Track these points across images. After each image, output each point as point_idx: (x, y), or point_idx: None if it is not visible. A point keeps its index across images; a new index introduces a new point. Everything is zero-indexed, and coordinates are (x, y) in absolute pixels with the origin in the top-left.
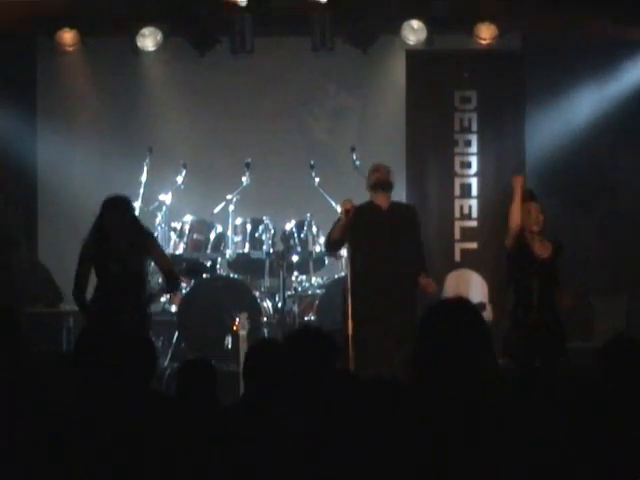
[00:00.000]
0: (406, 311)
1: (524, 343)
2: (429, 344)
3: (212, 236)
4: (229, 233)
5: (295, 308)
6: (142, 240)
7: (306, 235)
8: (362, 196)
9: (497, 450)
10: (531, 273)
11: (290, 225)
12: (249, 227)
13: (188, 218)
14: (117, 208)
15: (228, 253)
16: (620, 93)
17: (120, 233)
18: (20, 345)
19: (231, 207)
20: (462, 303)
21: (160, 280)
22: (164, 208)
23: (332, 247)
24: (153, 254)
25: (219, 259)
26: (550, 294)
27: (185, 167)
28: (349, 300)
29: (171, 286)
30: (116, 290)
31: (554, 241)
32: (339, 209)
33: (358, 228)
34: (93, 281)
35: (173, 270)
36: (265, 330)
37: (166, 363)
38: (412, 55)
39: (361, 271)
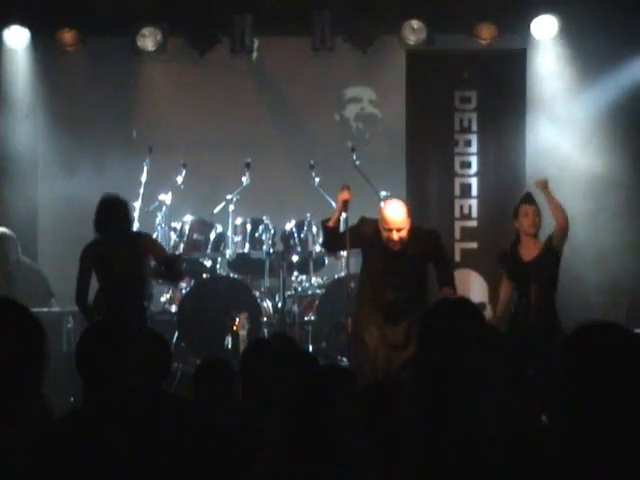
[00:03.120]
0: (410, 323)
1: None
2: (431, 344)
3: (212, 236)
4: (229, 233)
5: (295, 308)
6: (140, 239)
7: (306, 235)
8: (362, 197)
9: (497, 449)
10: (526, 276)
11: (290, 225)
12: (249, 227)
13: (188, 218)
14: (113, 211)
15: (228, 253)
16: (621, 91)
17: (118, 235)
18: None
19: (231, 207)
20: (463, 303)
21: (164, 298)
22: (164, 208)
23: (328, 238)
24: (152, 250)
25: (219, 259)
26: (548, 296)
27: (185, 167)
28: (350, 299)
29: (171, 273)
30: (117, 291)
31: (545, 240)
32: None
33: (368, 248)
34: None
35: (173, 260)
36: (265, 330)
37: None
38: (412, 55)
39: (366, 291)
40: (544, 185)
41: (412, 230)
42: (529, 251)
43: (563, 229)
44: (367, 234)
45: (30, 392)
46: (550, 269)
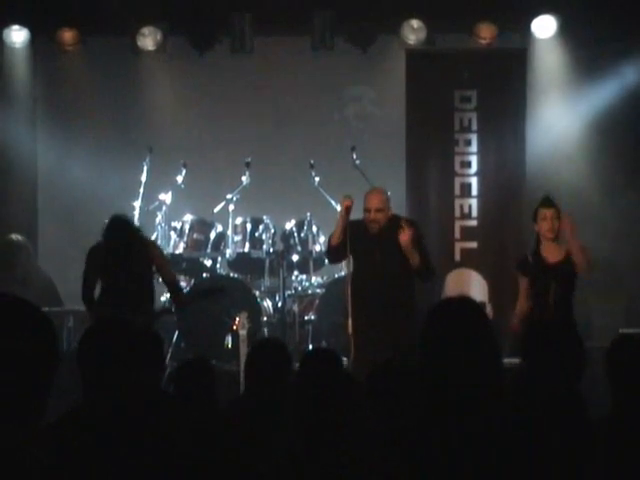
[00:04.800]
0: (404, 321)
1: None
2: (433, 343)
3: (212, 235)
4: (229, 232)
5: (295, 307)
6: (146, 248)
7: (306, 234)
8: (361, 196)
9: (498, 449)
10: (547, 277)
11: (290, 224)
12: (249, 226)
13: (188, 217)
14: (119, 229)
15: (228, 252)
16: (621, 90)
17: (124, 248)
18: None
19: (231, 206)
20: (466, 301)
21: (164, 298)
22: (164, 207)
23: (332, 254)
24: (155, 263)
25: (219, 258)
26: (566, 296)
27: (185, 166)
28: (349, 300)
29: (177, 303)
30: (121, 297)
31: (568, 250)
32: (339, 208)
33: (353, 247)
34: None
35: (176, 282)
36: (265, 330)
37: (166, 362)
38: (412, 54)
39: (357, 287)
40: (568, 226)
41: (392, 218)
42: (550, 254)
43: (583, 271)
44: (353, 233)
45: (42, 393)
46: (570, 272)
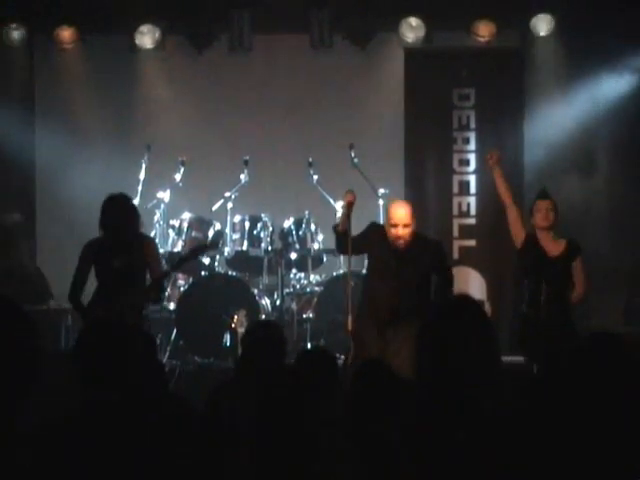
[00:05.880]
0: (410, 326)
1: (534, 340)
2: (432, 341)
3: (210, 233)
4: (227, 230)
5: (293, 306)
6: (141, 238)
7: (304, 232)
8: (360, 195)
9: (497, 447)
10: (541, 271)
11: (288, 222)
12: (247, 224)
13: (186, 215)
14: (117, 204)
15: (226, 250)
16: (617, 89)
17: (122, 227)
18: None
19: (229, 204)
20: (465, 300)
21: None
22: (162, 206)
23: (339, 243)
24: (151, 257)
25: (217, 256)
26: (561, 292)
27: (183, 164)
28: (349, 298)
29: (153, 297)
30: (116, 286)
31: (569, 240)
32: (337, 206)
33: (372, 250)
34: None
35: (161, 281)
36: None
37: (164, 361)
38: (410, 52)
39: (370, 291)
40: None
41: (415, 235)
42: (549, 246)
43: (577, 300)
44: (374, 238)
45: (24, 392)
46: (567, 268)
